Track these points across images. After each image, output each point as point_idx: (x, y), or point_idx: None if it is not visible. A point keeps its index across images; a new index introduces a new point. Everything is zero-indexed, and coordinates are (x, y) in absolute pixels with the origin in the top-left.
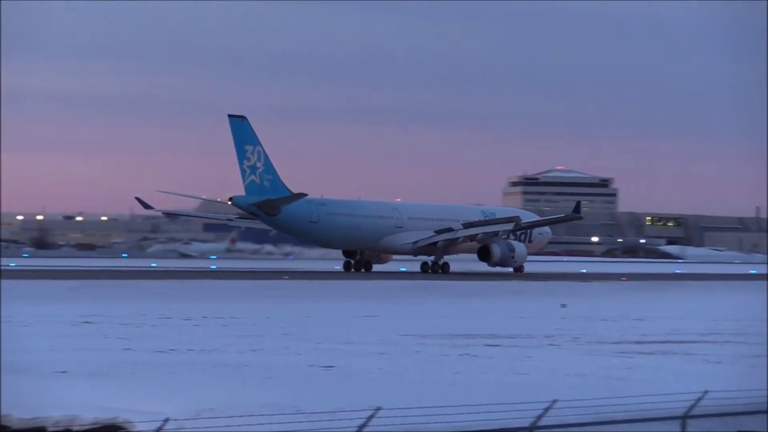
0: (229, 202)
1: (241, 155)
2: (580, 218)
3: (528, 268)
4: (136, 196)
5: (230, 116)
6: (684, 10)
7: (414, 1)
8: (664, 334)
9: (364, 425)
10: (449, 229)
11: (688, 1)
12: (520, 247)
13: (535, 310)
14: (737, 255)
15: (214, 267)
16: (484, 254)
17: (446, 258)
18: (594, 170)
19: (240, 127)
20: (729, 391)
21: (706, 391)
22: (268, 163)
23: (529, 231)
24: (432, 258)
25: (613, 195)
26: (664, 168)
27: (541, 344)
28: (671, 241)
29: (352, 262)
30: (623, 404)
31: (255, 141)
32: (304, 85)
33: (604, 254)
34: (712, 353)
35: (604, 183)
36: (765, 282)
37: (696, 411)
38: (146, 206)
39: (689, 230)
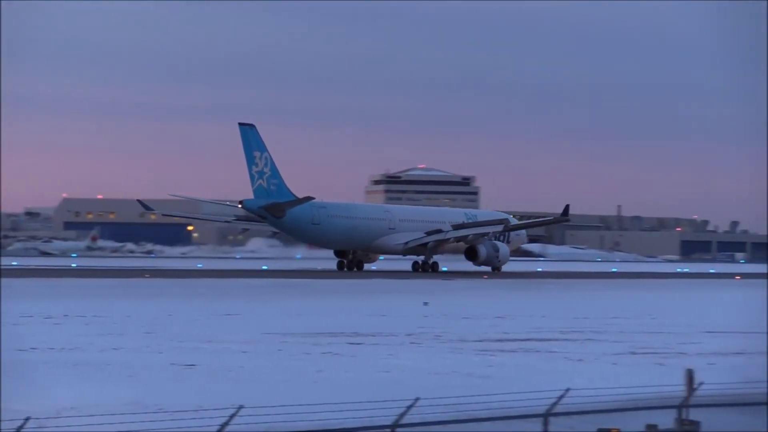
0: (240, 206)
1: (250, 161)
2: (568, 220)
3: (382, 265)
4: (138, 198)
5: (240, 124)
6: None
7: (273, 1)
8: (526, 332)
9: (226, 424)
10: (439, 231)
11: None
12: (503, 248)
13: (397, 308)
14: (598, 253)
15: (75, 265)
16: (470, 254)
17: (433, 258)
18: (456, 169)
19: (249, 135)
20: (590, 389)
21: (567, 389)
22: (274, 168)
23: (507, 233)
24: (422, 258)
25: (475, 193)
26: (525, 166)
27: (403, 342)
28: (533, 240)
29: (345, 261)
30: (485, 402)
31: (262, 147)
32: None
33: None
34: (574, 351)
35: (466, 181)
36: (626, 280)
37: (558, 409)
38: (147, 208)
39: (550, 228)
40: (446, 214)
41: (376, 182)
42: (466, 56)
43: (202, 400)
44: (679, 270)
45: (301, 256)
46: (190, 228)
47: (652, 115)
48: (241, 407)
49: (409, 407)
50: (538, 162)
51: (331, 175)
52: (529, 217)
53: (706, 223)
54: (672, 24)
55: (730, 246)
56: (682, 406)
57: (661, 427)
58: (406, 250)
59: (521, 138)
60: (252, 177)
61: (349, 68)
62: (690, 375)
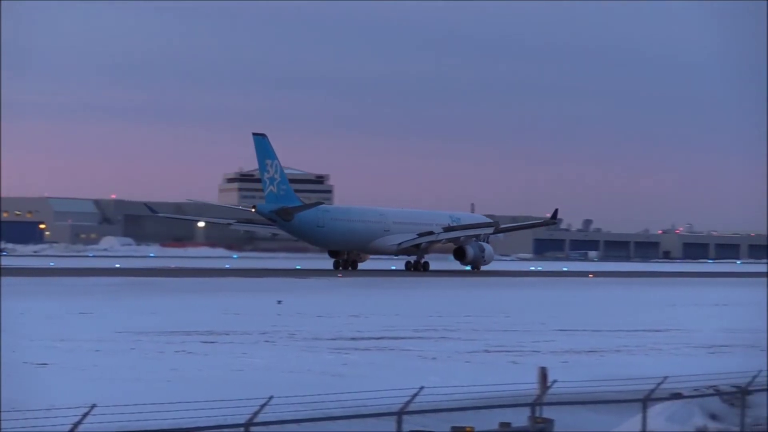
0: (253, 210)
1: (263, 168)
2: (555, 223)
3: (240, 264)
4: (145, 202)
5: (254, 134)
6: None
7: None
8: (380, 330)
9: (79, 423)
10: (430, 233)
11: None
12: (488, 249)
13: (251, 307)
14: None
15: None
16: (459, 254)
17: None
18: (310, 167)
19: (262, 144)
20: (444, 387)
21: (421, 387)
22: (283, 175)
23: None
24: (414, 257)
25: (329, 191)
26: (380, 164)
27: (257, 341)
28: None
29: (341, 261)
30: (340, 401)
31: (273, 155)
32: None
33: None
34: (428, 349)
35: (320, 179)
36: (479, 278)
37: (412, 407)
38: (153, 211)
39: None
40: (435, 217)
41: (230, 180)
42: (318, 54)
43: (55, 399)
44: (532, 269)
45: (154, 254)
46: (42, 226)
47: (501, 116)
48: (93, 406)
49: (263, 405)
50: (394, 160)
51: (184, 172)
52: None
53: (559, 221)
54: None
55: (583, 244)
56: (536, 404)
57: (514, 425)
58: (399, 251)
59: (376, 136)
60: (264, 183)
61: (200, 65)
62: (543, 373)
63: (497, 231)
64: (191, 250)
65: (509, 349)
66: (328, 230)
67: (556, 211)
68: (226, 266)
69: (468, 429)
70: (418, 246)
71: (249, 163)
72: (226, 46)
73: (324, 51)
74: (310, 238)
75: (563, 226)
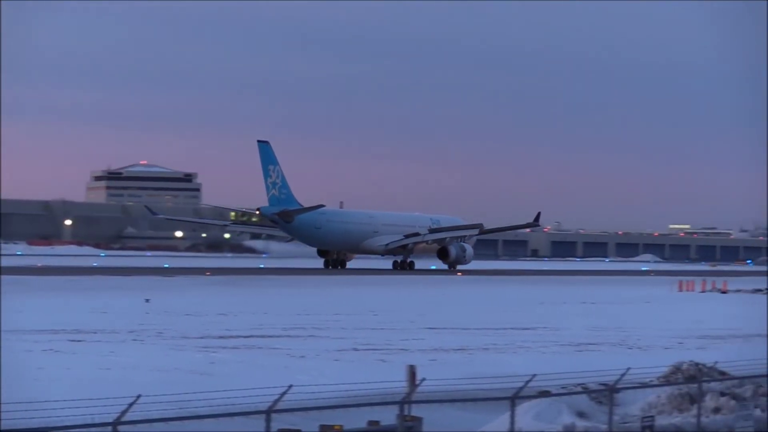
0: (257, 212)
1: (266, 173)
2: (538, 225)
3: (108, 262)
4: (145, 204)
5: (259, 141)
6: None
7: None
8: (248, 329)
9: None
10: (416, 234)
11: None
12: (469, 249)
13: (119, 305)
14: None
15: None
16: (442, 254)
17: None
18: (178, 165)
19: (265, 151)
20: (313, 386)
21: (290, 386)
22: (284, 179)
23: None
24: (400, 257)
25: (197, 190)
26: (246, 163)
27: (125, 339)
28: (255, 236)
29: (330, 260)
30: (208, 399)
31: (275, 161)
32: None
33: (188, 249)
34: (296, 348)
35: (188, 178)
36: (347, 277)
37: (280, 405)
38: (153, 213)
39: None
40: (419, 220)
41: (98, 178)
42: (184, 51)
43: None
44: None
45: (21, 252)
46: None
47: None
48: None
49: (131, 404)
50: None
51: (51, 170)
52: (250, 215)
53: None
54: None
55: None
56: (404, 402)
57: (383, 423)
58: (386, 251)
59: (240, 135)
60: (267, 187)
61: (68, 63)
62: (412, 371)
63: (482, 233)
64: (58, 248)
65: (378, 348)
66: (324, 231)
67: (538, 215)
68: (94, 264)
69: (337, 427)
70: (404, 246)
71: (118, 161)
72: (92, 42)
73: (194, 49)
74: (307, 239)
75: None
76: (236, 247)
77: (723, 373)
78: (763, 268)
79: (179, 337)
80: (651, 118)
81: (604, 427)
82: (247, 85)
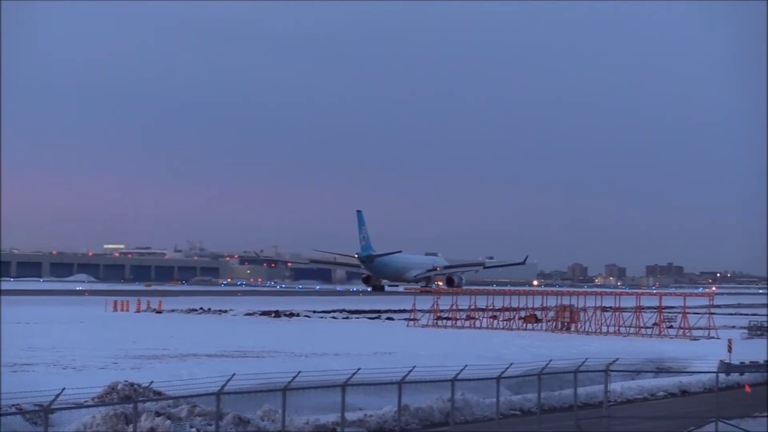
0: (356, 256)
1: (360, 231)
2: (522, 263)
3: None
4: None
5: (357, 211)
6: None
7: None
8: None
9: None
10: (435, 269)
11: None
12: (462, 279)
13: None
14: None
15: None
16: (449, 282)
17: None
18: None
19: (360, 216)
20: None
21: None
22: (367, 235)
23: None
24: (423, 283)
25: None
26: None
27: None
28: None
29: (373, 286)
30: None
31: (364, 223)
32: None
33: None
34: None
35: None
36: None
37: None
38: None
39: None
40: (432, 261)
41: None
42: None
43: None
44: None
45: None
46: None
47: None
48: None
49: None
50: None
51: None
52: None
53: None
54: None
55: None
56: None
57: None
58: (416, 280)
59: None
60: (360, 240)
61: None
62: None
63: (485, 268)
64: None
65: None
66: (389, 268)
67: (526, 258)
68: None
69: None
70: (428, 277)
71: None
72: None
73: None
74: (382, 276)
75: None
76: None
77: (159, 393)
78: (198, 288)
79: None
80: None
81: None
82: None
